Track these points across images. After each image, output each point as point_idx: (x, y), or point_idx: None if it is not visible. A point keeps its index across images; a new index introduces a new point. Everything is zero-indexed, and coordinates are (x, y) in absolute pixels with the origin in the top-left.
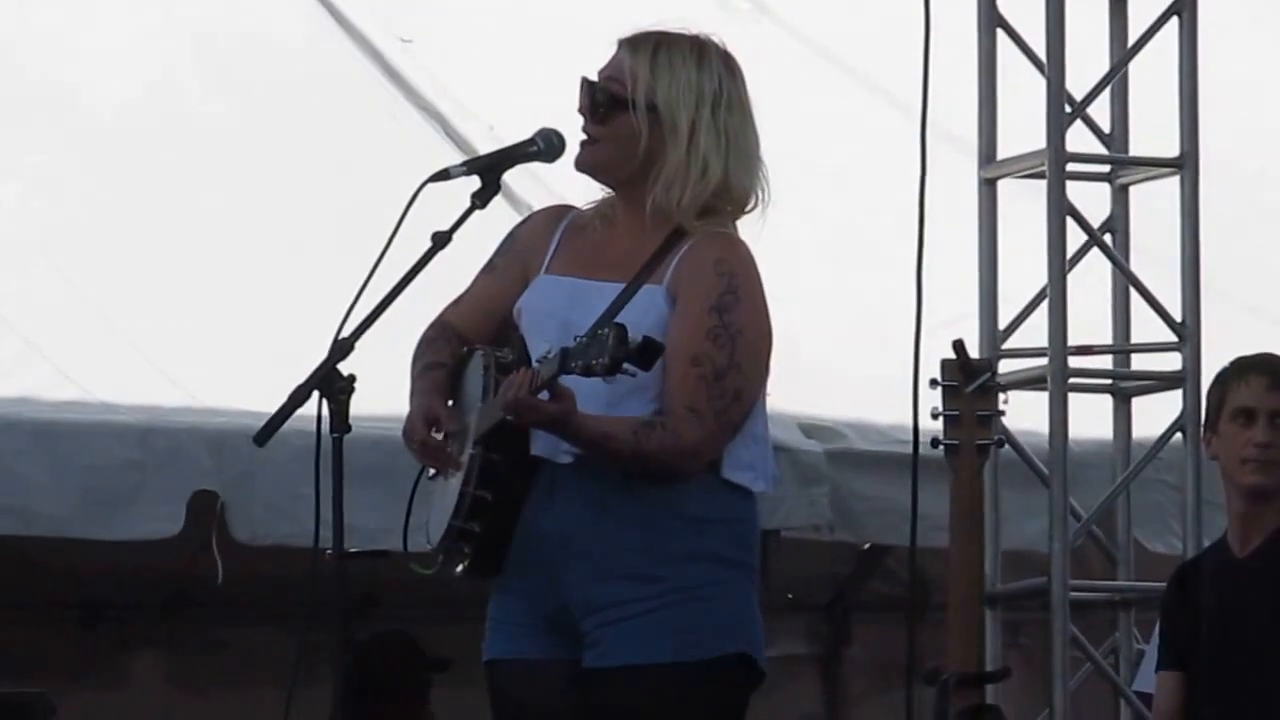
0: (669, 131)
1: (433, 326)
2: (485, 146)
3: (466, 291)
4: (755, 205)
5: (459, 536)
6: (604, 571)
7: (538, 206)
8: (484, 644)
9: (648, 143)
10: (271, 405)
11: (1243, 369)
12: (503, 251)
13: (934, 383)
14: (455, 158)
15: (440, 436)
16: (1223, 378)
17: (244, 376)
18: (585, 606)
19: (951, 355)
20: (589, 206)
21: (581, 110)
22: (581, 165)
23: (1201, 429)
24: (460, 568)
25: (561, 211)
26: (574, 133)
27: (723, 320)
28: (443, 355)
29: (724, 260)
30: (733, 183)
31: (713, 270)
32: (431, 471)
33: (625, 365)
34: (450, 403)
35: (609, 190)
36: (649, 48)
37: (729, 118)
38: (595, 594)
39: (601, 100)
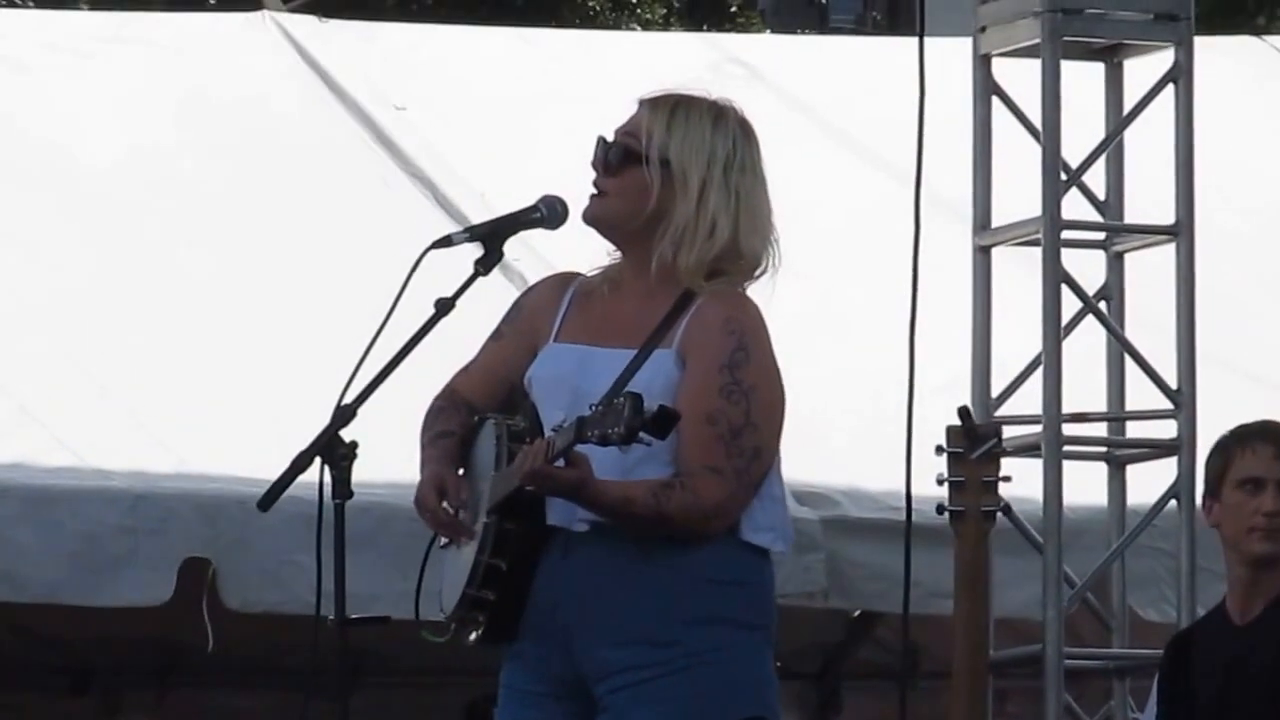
0: (679, 187)
1: (441, 395)
2: (477, 214)
3: (475, 360)
4: (765, 271)
5: (473, 605)
6: (617, 637)
7: (531, 275)
8: (496, 711)
9: (657, 198)
10: (264, 471)
11: (1247, 437)
12: (510, 319)
13: (940, 449)
14: (447, 225)
15: (457, 503)
16: (1225, 445)
17: (236, 443)
18: (598, 672)
19: (953, 421)
20: (595, 273)
21: (594, 164)
22: (588, 217)
23: (1201, 496)
24: (474, 635)
25: (568, 278)
26: (571, 199)
27: (735, 378)
28: (452, 424)
29: (733, 319)
30: (741, 245)
31: (722, 329)
32: (443, 540)
33: (641, 434)
34: (461, 471)
35: (615, 256)
36: (668, 106)
37: (741, 179)
38: (608, 660)
39: (615, 154)
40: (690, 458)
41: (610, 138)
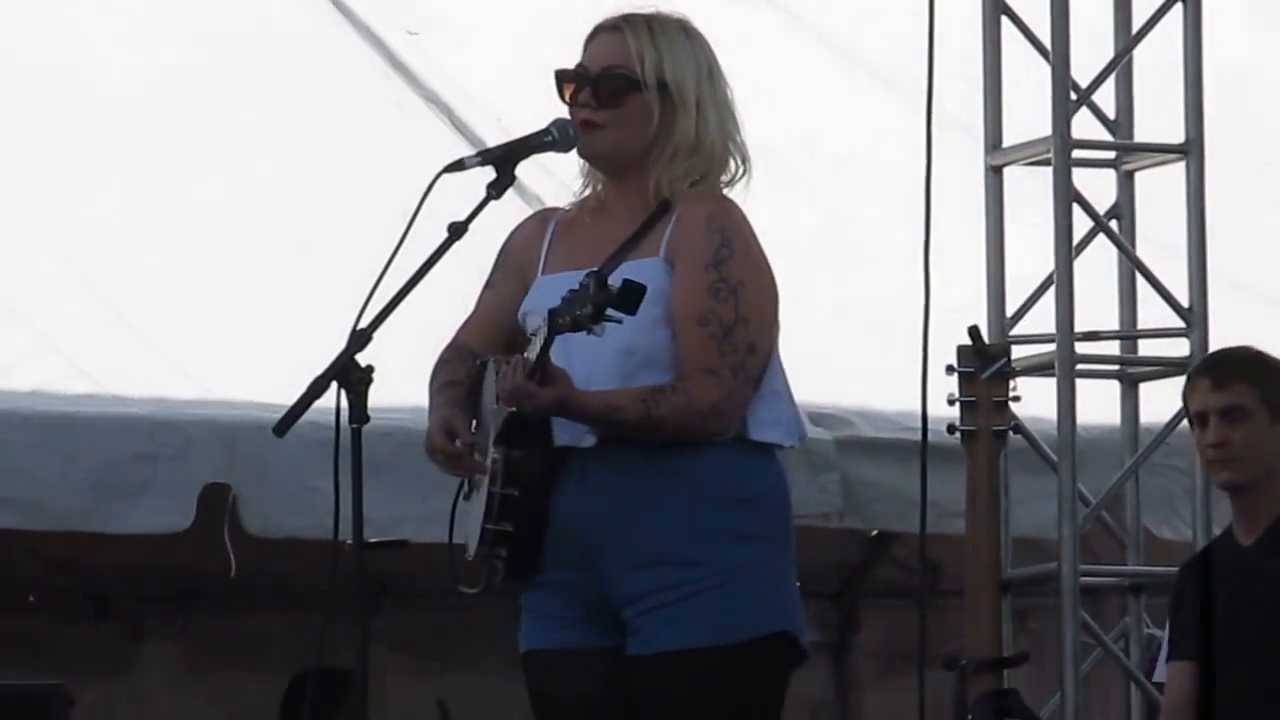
0: (679, 106)
1: (447, 349)
2: (493, 137)
3: (473, 311)
4: (741, 172)
5: (494, 540)
6: (641, 559)
7: (547, 198)
8: (520, 635)
9: (659, 120)
10: (283, 397)
11: (1194, 373)
12: (499, 265)
13: (950, 369)
14: (463, 149)
15: (468, 444)
16: (1185, 382)
17: (255, 369)
18: (625, 595)
19: (966, 341)
20: (570, 205)
21: (579, 100)
22: (591, 151)
23: None
24: (501, 573)
25: (547, 214)
26: None
27: (721, 275)
28: (458, 374)
29: (714, 216)
30: (731, 148)
31: (704, 228)
32: (465, 492)
33: (609, 310)
34: (475, 421)
35: (586, 189)
36: (644, 28)
37: (722, 84)
38: (634, 582)
39: (612, 84)
40: (686, 361)
41: (588, 71)
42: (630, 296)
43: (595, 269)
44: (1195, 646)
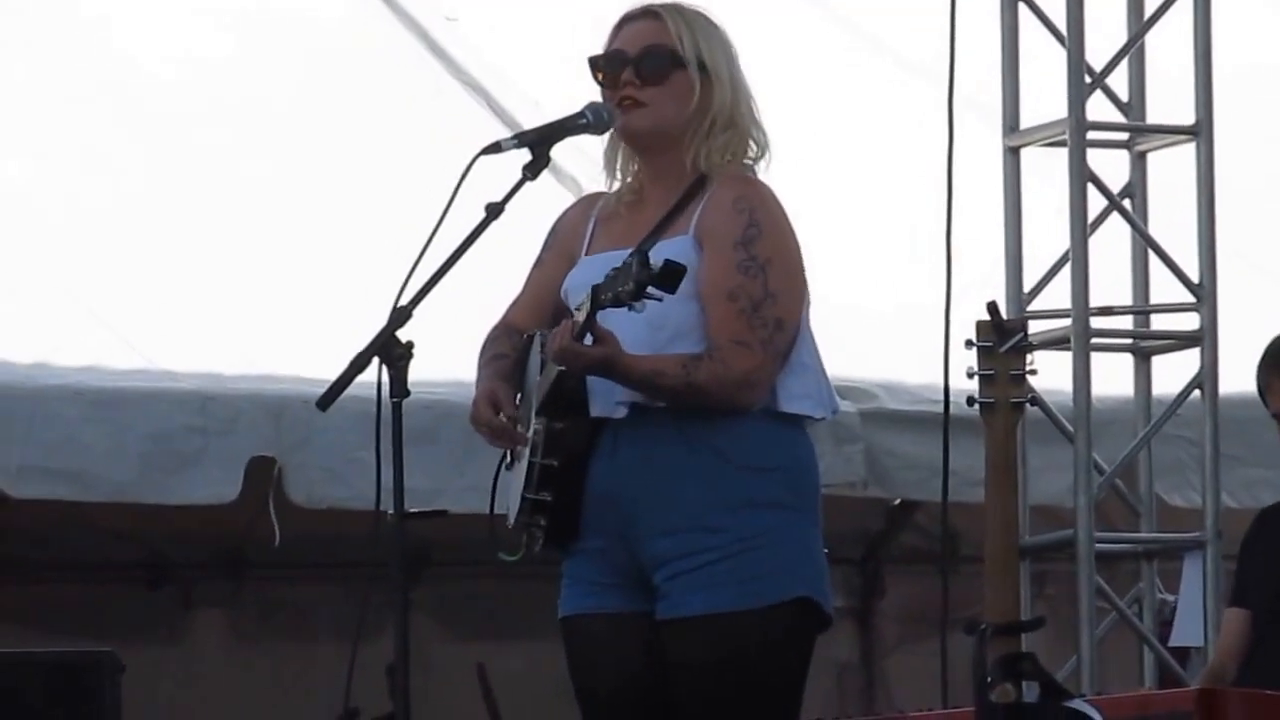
0: (717, 84)
1: (496, 326)
2: (530, 121)
3: (522, 290)
4: (761, 152)
5: (533, 509)
6: (668, 525)
7: (583, 179)
8: (560, 601)
9: (699, 98)
10: (328, 372)
11: (1267, 364)
12: (548, 245)
13: (969, 343)
14: (500, 132)
15: (511, 415)
16: (1260, 365)
17: (302, 344)
18: (654, 561)
19: (985, 316)
20: (610, 194)
21: (623, 81)
22: (637, 128)
23: None
24: (540, 541)
25: (594, 198)
26: None
27: (750, 253)
28: (504, 348)
29: (742, 198)
30: (754, 126)
31: (731, 208)
32: (508, 461)
33: (649, 289)
34: (520, 394)
35: (618, 181)
36: (676, 12)
37: (741, 69)
38: (662, 548)
39: (655, 61)
40: (717, 335)
41: (626, 52)
42: (671, 276)
43: (638, 247)
44: (1252, 594)
